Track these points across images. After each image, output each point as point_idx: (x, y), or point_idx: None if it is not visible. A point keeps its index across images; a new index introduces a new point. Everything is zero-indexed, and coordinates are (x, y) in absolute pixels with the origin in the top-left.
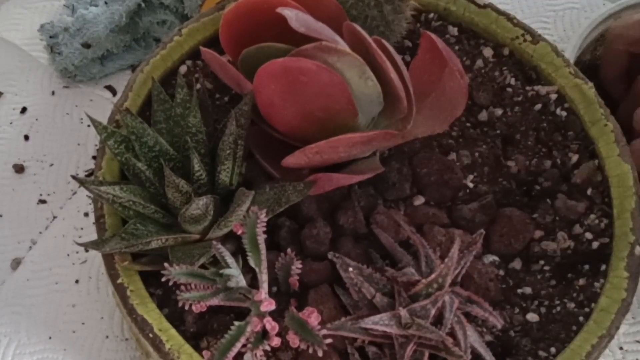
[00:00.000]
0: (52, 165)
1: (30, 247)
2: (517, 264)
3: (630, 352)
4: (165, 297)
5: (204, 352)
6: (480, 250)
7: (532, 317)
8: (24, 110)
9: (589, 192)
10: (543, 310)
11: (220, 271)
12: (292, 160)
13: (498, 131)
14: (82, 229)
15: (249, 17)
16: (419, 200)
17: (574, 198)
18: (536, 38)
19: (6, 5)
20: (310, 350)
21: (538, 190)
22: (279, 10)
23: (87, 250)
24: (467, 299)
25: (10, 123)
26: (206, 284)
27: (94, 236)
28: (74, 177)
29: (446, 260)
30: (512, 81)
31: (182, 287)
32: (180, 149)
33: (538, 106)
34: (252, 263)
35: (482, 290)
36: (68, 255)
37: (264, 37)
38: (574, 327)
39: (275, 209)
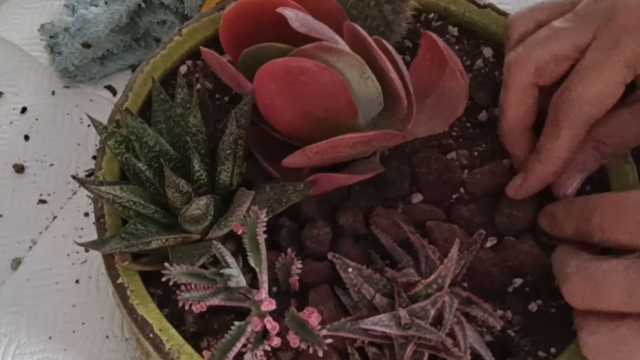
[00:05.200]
0: (52, 165)
1: (30, 247)
2: None
3: None
4: (166, 297)
5: (204, 352)
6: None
7: (532, 307)
8: (24, 110)
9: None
10: (543, 307)
11: (221, 271)
12: (292, 160)
13: (498, 131)
14: (82, 229)
15: (249, 17)
16: (417, 198)
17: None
18: None
19: (6, 5)
20: (311, 350)
21: None
22: (279, 10)
23: (87, 250)
24: (466, 300)
25: (10, 123)
26: (206, 284)
27: (94, 236)
28: (74, 177)
29: (445, 261)
30: None
31: (182, 287)
32: (180, 149)
33: None
34: (252, 263)
35: (487, 276)
36: (68, 255)
37: (264, 37)
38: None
39: (275, 209)
